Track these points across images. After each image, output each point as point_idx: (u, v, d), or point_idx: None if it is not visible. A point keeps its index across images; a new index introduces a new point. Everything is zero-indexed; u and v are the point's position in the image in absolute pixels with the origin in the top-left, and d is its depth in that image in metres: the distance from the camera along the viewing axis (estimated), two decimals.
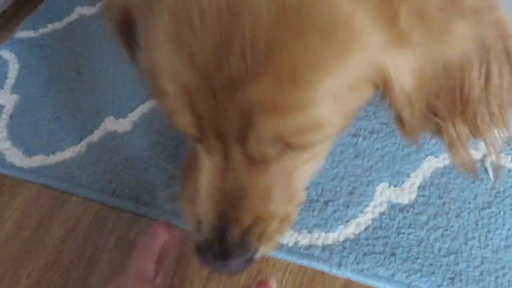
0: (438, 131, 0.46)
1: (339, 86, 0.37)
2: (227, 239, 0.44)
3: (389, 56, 0.38)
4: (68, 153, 0.77)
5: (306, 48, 0.35)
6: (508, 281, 0.57)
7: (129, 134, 0.77)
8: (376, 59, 0.37)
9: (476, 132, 0.45)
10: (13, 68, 0.90)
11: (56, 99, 0.84)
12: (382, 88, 0.40)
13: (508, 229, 0.60)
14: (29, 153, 0.78)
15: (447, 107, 0.43)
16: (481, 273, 0.58)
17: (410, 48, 0.38)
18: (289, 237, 0.63)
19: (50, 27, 0.96)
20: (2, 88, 0.87)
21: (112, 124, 0.79)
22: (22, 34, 0.95)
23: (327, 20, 0.35)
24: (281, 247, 0.63)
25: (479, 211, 0.62)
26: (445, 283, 0.58)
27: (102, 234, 0.68)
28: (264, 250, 0.47)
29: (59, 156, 0.77)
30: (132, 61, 0.48)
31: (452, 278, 0.58)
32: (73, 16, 0.97)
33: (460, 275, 0.58)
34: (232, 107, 0.37)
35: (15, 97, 0.86)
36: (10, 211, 0.73)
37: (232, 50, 0.35)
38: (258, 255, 0.47)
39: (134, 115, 0.80)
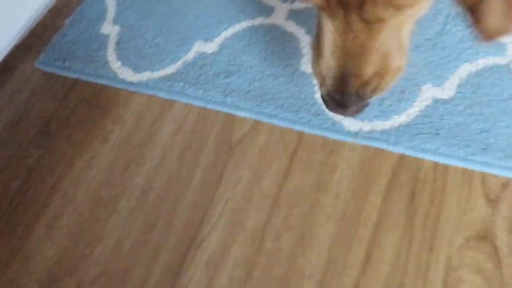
0: None
1: None
2: (347, 90, 0.56)
3: None
4: (170, 70, 0.95)
5: None
6: None
7: (217, 54, 0.95)
8: None
9: None
10: (111, 4, 1.08)
11: (152, 27, 1.02)
12: None
13: None
14: (138, 70, 0.96)
15: None
16: (507, 145, 0.76)
17: None
18: (353, 125, 0.81)
19: None
20: (105, 20, 1.06)
21: (202, 47, 0.97)
22: None
23: None
24: (347, 132, 0.81)
25: (505, 101, 0.80)
26: (478, 152, 0.76)
27: (205, 130, 0.88)
28: (377, 97, 0.59)
29: (162, 72, 0.95)
30: None
31: (484, 149, 0.76)
32: None
33: (490, 146, 0.76)
34: None
35: (117, 28, 1.04)
36: (127, 114, 0.93)
37: None
38: (371, 101, 0.59)
39: (220, 39, 0.97)
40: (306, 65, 0.89)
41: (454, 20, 0.88)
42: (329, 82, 0.57)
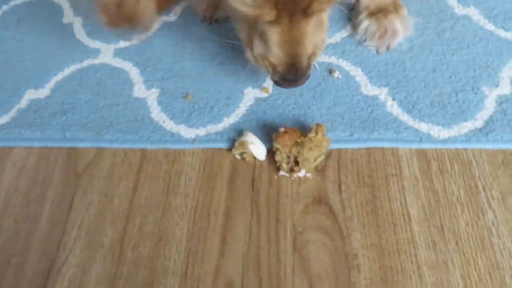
0: None
1: None
2: (300, 69, 0.76)
3: None
4: (4, 120, 0.95)
5: None
6: None
7: (50, 98, 0.97)
8: None
9: None
10: None
11: None
12: None
13: None
14: None
15: None
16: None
17: None
18: (190, 133, 0.89)
19: None
20: None
21: (34, 94, 0.99)
22: None
23: None
24: (186, 140, 0.88)
25: (313, 89, 0.92)
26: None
27: (48, 167, 0.88)
28: (315, 64, 0.82)
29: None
30: None
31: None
32: None
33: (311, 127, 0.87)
34: None
35: None
36: None
37: None
38: (312, 68, 0.80)
39: (51, 84, 1.00)
40: (138, 91, 0.95)
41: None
42: (281, 68, 0.77)
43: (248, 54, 0.81)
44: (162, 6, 0.78)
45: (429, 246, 0.75)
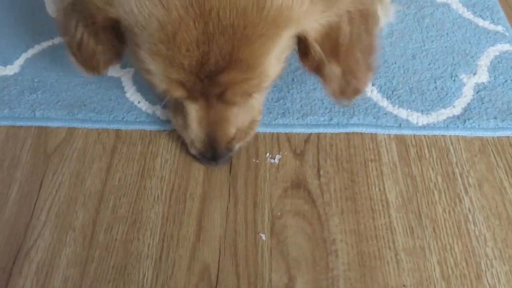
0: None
1: (277, 55, 0.62)
2: (218, 149, 0.73)
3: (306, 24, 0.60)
4: None
5: (252, 47, 0.58)
6: None
7: (19, 75, 0.93)
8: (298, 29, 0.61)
9: (347, 72, 0.67)
10: None
11: None
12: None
13: None
14: None
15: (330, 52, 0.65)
16: (301, 106, 0.86)
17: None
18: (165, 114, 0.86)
19: None
20: None
21: (2, 71, 0.94)
22: None
23: (261, 26, 0.57)
24: (162, 121, 0.85)
25: (293, 72, 0.91)
26: (279, 116, 0.85)
27: (16, 146, 0.85)
28: (240, 146, 0.77)
29: None
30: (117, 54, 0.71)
31: (283, 113, 0.85)
32: None
33: (288, 110, 0.86)
34: (213, 84, 0.62)
35: None
36: None
37: (209, 59, 0.58)
38: (236, 150, 0.77)
39: (20, 61, 0.96)
40: (112, 70, 0.92)
41: None
42: (198, 145, 0.74)
43: (171, 117, 0.79)
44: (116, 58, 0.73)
45: (406, 232, 0.74)
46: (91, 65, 0.71)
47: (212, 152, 0.74)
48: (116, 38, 0.65)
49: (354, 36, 0.64)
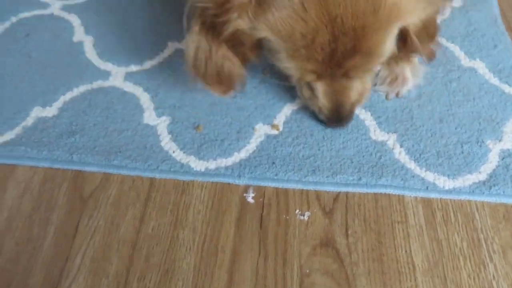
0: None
1: (388, 41, 0.78)
2: (342, 115, 0.88)
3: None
4: (8, 136, 0.94)
5: (369, 40, 0.74)
6: None
7: (57, 117, 0.96)
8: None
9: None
10: None
11: None
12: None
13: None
14: None
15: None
16: (331, 165, 0.89)
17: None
18: (200, 166, 0.89)
19: None
20: None
21: (41, 112, 0.98)
22: None
23: (376, 24, 0.73)
24: (195, 172, 0.88)
25: (323, 130, 0.94)
26: (309, 173, 0.88)
27: (53, 189, 0.87)
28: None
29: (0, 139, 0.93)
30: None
31: (314, 170, 0.88)
32: None
33: (318, 168, 0.89)
34: (339, 67, 0.78)
35: None
36: None
37: (341, 51, 0.75)
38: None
39: (59, 103, 0.99)
40: (148, 118, 0.95)
41: (271, 71, 1.02)
42: (326, 112, 0.89)
43: (299, 92, 0.93)
44: (245, 63, 0.86)
45: None
46: (228, 84, 0.86)
47: (337, 117, 0.88)
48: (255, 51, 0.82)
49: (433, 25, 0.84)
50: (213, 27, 0.77)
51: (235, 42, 0.78)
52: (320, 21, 0.71)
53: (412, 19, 0.77)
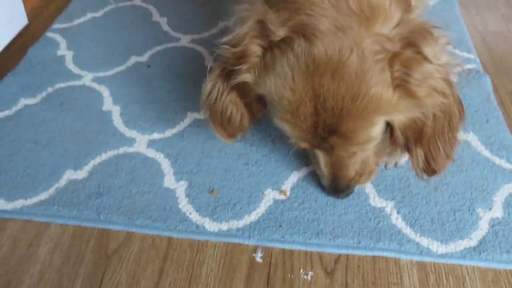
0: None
1: (369, 131, 0.84)
2: (339, 187, 0.96)
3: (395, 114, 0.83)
4: (43, 196, 1.04)
5: (347, 124, 0.81)
6: None
7: (87, 180, 1.07)
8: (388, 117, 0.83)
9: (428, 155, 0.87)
10: None
11: (22, 161, 1.12)
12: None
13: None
14: (10, 199, 1.04)
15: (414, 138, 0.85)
16: (333, 228, 0.98)
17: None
18: (213, 227, 0.98)
19: None
20: None
21: (72, 175, 1.09)
22: None
23: (354, 111, 0.80)
24: (209, 233, 0.97)
25: (328, 196, 1.03)
26: (313, 236, 0.96)
27: (81, 245, 0.97)
28: (359, 186, 1.01)
29: (35, 199, 1.04)
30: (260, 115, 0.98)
31: (317, 233, 0.97)
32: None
33: (322, 231, 0.97)
34: (324, 142, 0.86)
35: None
36: (3, 239, 0.98)
37: (322, 126, 0.83)
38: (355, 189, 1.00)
39: (88, 167, 1.11)
40: (168, 182, 1.06)
41: (281, 140, 1.13)
42: (326, 181, 0.98)
43: (310, 155, 1.03)
44: (253, 120, 0.98)
45: None
46: (231, 130, 0.96)
47: (335, 188, 0.96)
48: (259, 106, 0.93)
49: (438, 129, 0.84)
50: (229, 74, 0.88)
51: (243, 91, 0.90)
52: (305, 94, 0.80)
53: (396, 116, 0.82)
